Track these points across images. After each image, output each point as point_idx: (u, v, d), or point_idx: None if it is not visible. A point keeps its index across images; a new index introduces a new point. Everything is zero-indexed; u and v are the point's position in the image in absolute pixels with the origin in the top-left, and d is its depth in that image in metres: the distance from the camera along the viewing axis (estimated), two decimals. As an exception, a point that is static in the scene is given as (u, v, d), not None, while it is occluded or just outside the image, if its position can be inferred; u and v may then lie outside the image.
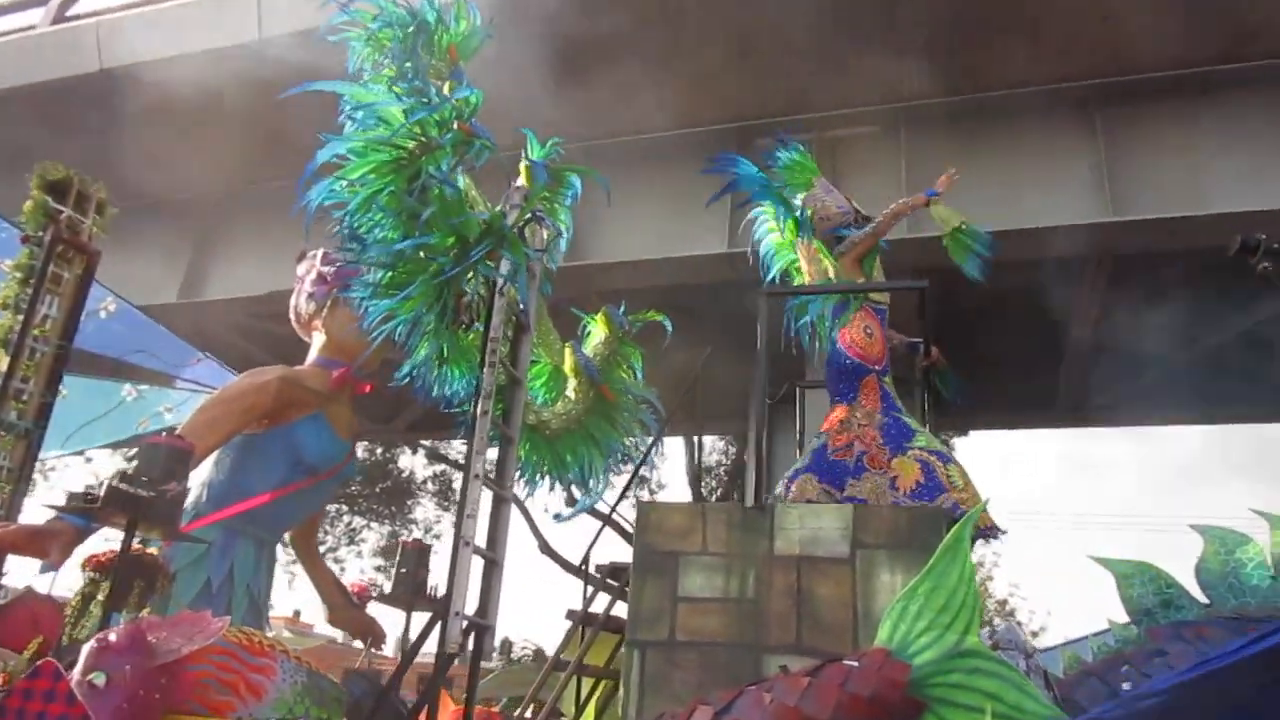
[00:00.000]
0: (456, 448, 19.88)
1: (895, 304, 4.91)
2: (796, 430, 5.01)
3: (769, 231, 5.36)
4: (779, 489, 4.44)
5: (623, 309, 5.05)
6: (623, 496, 6.10)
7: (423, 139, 3.88)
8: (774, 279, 5.31)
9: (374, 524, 22.85)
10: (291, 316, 4.76)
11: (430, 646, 3.99)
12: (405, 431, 18.33)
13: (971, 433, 19.17)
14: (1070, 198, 11.42)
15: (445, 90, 4.13)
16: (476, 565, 4.34)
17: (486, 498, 4.44)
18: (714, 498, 20.39)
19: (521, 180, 4.46)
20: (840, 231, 4.97)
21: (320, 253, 4.72)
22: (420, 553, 5.22)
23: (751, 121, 11.98)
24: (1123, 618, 4.09)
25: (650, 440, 4.79)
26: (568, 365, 4.93)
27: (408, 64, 4.02)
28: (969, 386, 5.13)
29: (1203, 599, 3.95)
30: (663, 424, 4.88)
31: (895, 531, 3.55)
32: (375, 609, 5.25)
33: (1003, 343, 13.04)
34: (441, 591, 5.56)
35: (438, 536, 26.93)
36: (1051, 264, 11.00)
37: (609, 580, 4.74)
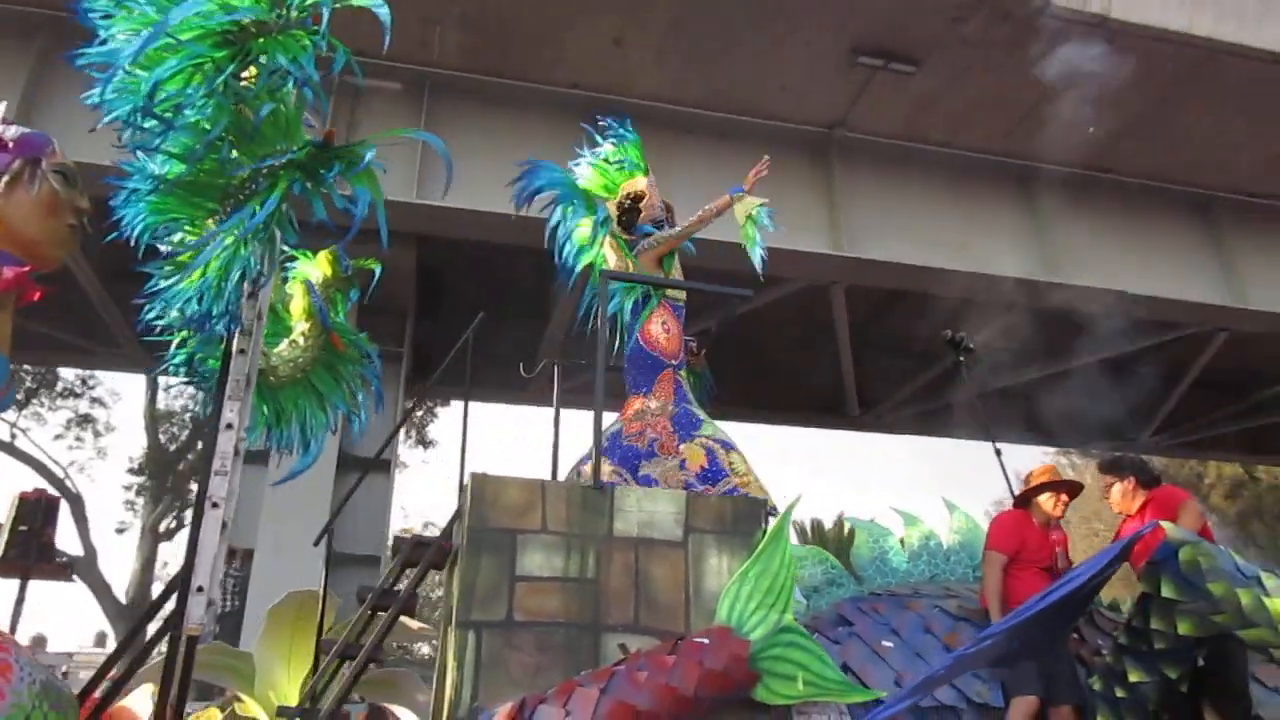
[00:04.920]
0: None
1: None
2: (554, 407, 4.96)
3: (577, 226, 5.23)
4: (573, 472, 4.38)
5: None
6: (379, 455, 5.35)
7: (270, 19, 3.25)
8: (576, 273, 5.22)
9: None
10: (-62, 187, 3.60)
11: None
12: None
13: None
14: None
15: None
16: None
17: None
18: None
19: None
20: (646, 229, 5.03)
21: (-4, 110, 3.59)
22: (47, 507, 4.26)
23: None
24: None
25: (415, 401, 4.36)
26: (297, 307, 4.31)
27: None
28: (713, 389, 5.53)
29: (857, 579, 4.86)
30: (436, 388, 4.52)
31: (722, 519, 3.81)
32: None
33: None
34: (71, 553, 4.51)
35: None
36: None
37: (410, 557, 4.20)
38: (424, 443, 23.30)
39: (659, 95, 12.69)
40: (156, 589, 21.90)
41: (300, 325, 4.31)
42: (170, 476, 19.28)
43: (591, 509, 3.65)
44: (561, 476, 4.62)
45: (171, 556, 22.57)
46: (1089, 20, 11.36)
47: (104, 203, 3.68)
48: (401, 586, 4.25)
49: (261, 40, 3.30)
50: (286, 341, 4.29)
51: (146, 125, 3.22)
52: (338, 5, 3.44)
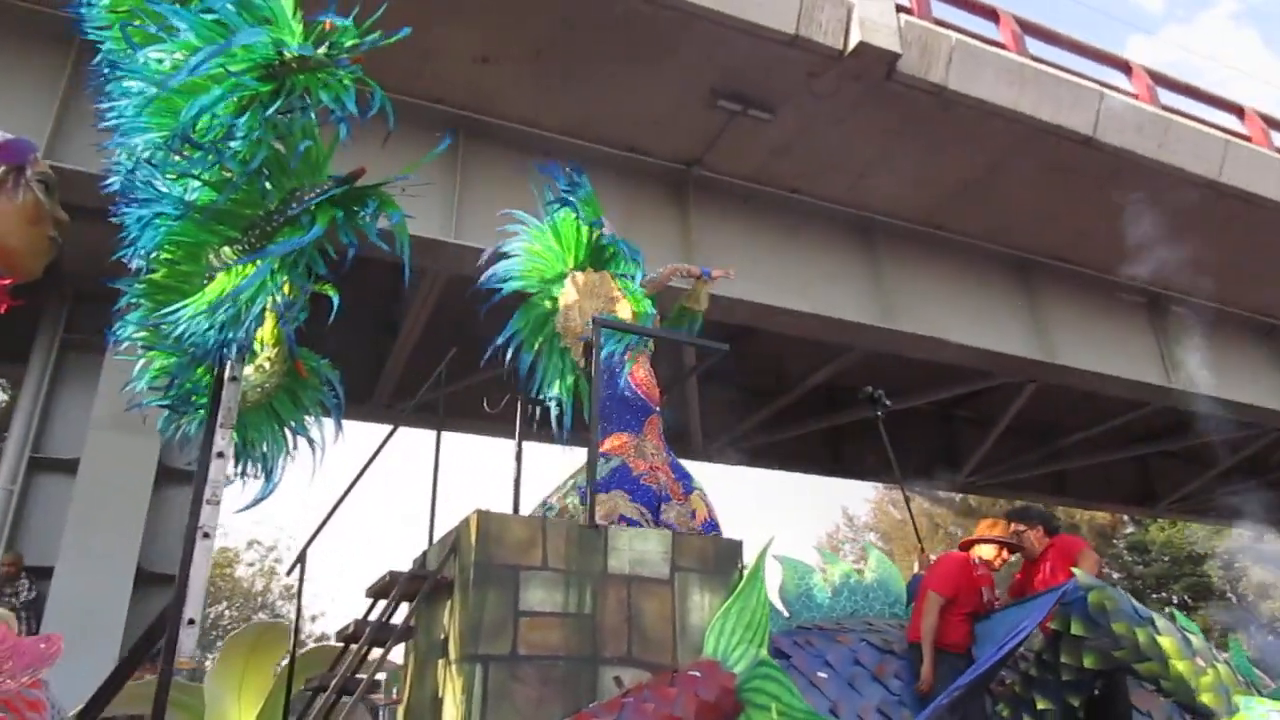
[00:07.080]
0: None
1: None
2: (516, 440, 4.94)
3: (527, 249, 5.20)
4: (543, 508, 4.38)
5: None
6: (351, 487, 5.05)
7: (313, 55, 3.24)
8: (499, 293, 5.22)
9: None
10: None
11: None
12: None
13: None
14: (424, 209, 12.26)
15: None
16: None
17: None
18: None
19: None
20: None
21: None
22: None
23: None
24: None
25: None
26: (265, 331, 4.17)
27: None
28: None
29: (785, 612, 5.15)
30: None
31: (704, 558, 3.98)
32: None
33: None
34: None
35: None
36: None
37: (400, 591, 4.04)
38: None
39: (522, 118, 12.72)
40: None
41: (267, 350, 4.21)
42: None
43: (588, 547, 3.78)
44: (525, 507, 4.70)
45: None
46: (928, 89, 12.23)
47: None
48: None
49: (303, 76, 3.29)
50: (253, 366, 4.17)
51: (185, 151, 3.16)
52: (379, 45, 3.48)
